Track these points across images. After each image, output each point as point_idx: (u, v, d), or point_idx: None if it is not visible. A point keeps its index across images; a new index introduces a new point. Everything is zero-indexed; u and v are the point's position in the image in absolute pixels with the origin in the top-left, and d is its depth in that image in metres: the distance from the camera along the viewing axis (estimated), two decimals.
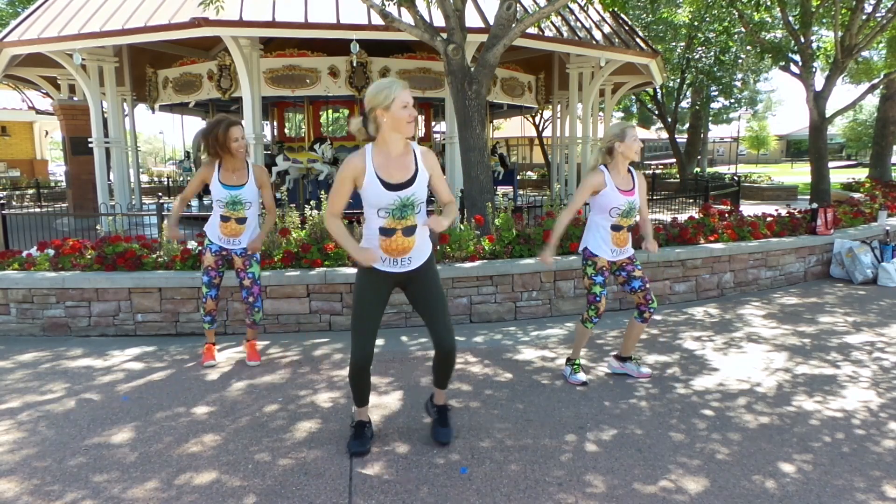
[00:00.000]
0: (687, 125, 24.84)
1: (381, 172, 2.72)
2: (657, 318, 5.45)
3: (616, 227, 3.77)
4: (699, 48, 17.70)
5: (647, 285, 3.88)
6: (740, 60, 19.73)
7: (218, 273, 4.21)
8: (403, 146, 2.79)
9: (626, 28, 11.57)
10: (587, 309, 3.86)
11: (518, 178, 17.44)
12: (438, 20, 7.64)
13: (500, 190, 10.02)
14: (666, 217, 8.23)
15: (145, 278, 5.01)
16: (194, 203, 14.32)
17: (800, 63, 11.19)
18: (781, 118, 54.09)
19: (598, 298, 3.82)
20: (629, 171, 3.81)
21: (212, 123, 3.94)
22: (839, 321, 5.35)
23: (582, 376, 3.95)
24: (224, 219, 4.05)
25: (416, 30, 6.25)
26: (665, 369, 4.18)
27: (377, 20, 7.45)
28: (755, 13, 12.57)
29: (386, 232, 2.78)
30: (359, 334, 2.87)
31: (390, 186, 2.72)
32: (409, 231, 2.80)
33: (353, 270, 5.15)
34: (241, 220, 4.07)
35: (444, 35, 6.28)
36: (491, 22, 7.14)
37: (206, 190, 4.17)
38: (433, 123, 15.15)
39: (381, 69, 10.15)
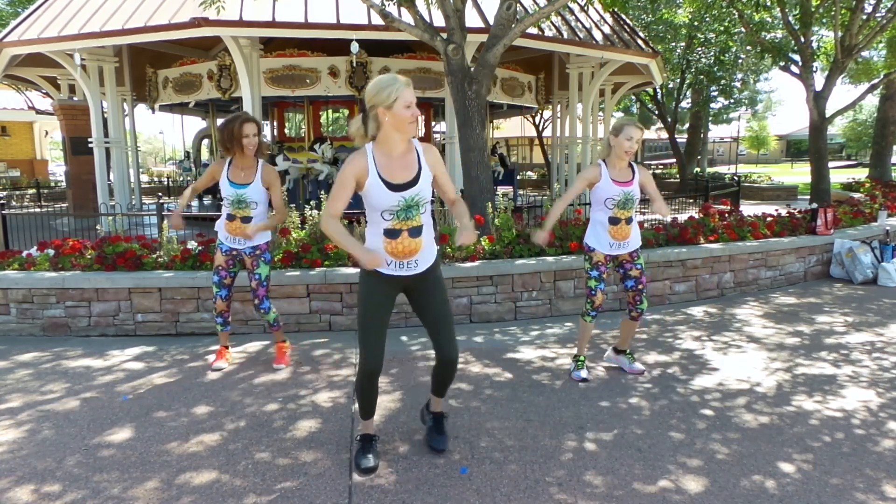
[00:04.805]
0: (687, 125, 24.85)
1: (384, 173, 2.60)
2: (657, 317, 5.45)
3: (613, 220, 3.79)
4: (699, 48, 17.70)
5: (641, 286, 3.91)
6: (740, 60, 19.73)
7: (228, 273, 4.13)
8: (405, 144, 2.68)
9: (627, 28, 11.57)
10: (585, 303, 3.97)
11: (518, 178, 17.45)
12: (438, 20, 7.64)
13: (500, 190, 10.01)
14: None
15: (145, 278, 5.01)
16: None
17: (800, 63, 11.19)
18: (781, 118, 54.11)
19: (593, 292, 3.92)
20: (630, 165, 3.85)
21: (230, 118, 3.92)
22: (839, 321, 5.35)
23: (583, 373, 3.99)
24: (230, 217, 4.00)
25: (416, 30, 6.25)
26: (665, 369, 4.18)
27: (377, 20, 7.45)
28: (755, 13, 12.56)
29: (391, 234, 2.64)
30: (367, 341, 2.74)
31: (394, 187, 2.60)
32: (415, 232, 2.68)
33: (354, 270, 5.14)
34: (247, 220, 3.98)
35: (444, 35, 6.28)
36: (491, 22, 7.14)
37: (208, 190, 4.16)
38: (433, 123, 15.15)
39: (381, 69, 10.15)
